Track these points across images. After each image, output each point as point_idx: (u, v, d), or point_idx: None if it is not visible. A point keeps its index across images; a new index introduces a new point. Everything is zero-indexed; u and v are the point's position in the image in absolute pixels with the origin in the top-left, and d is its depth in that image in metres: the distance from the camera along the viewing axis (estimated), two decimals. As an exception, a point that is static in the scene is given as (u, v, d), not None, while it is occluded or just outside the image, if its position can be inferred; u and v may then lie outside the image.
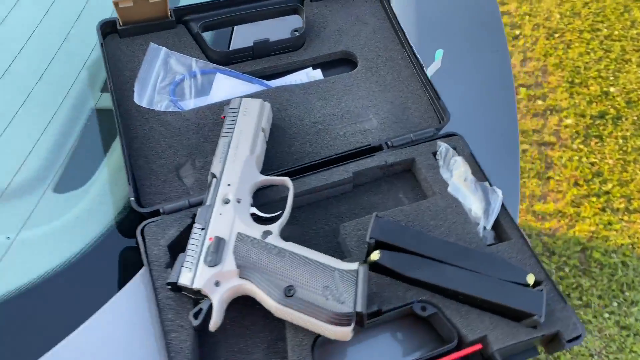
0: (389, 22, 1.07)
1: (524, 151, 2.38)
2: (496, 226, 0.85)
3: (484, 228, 0.83)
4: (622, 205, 2.22)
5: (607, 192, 2.25)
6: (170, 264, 0.77)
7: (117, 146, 0.97)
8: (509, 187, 0.96)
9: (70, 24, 1.06)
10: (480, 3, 1.31)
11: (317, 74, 1.03)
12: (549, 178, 2.29)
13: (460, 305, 0.75)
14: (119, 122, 0.88)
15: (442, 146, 0.89)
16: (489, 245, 0.82)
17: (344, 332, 0.67)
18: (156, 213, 0.83)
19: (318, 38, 1.05)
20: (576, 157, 2.35)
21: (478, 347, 0.73)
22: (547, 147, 2.39)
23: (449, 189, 0.84)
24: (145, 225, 0.81)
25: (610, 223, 2.17)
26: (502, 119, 1.09)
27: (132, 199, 0.83)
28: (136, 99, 0.94)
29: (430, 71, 0.99)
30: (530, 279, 0.76)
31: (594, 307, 1.96)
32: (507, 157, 1.03)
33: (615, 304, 1.97)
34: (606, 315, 1.95)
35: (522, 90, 2.59)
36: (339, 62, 1.07)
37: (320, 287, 0.69)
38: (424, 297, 0.76)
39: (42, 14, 1.07)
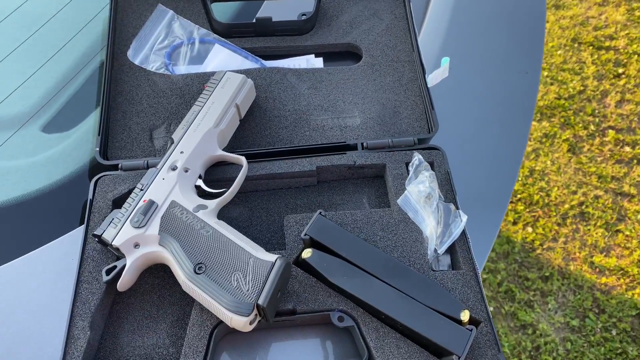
0: (404, 22, 1.02)
1: (597, 197, 2.18)
2: (451, 253, 0.78)
3: (435, 251, 0.76)
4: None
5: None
6: (107, 218, 0.78)
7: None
8: (489, 218, 0.89)
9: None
10: (526, 14, 1.21)
11: (317, 62, 1.00)
12: (618, 231, 2.09)
13: (380, 325, 0.70)
14: (107, 73, 0.90)
15: (416, 157, 0.83)
16: (436, 270, 0.75)
17: (240, 322, 0.64)
18: (115, 167, 0.84)
19: (328, 26, 1.02)
20: None
21: (386, 373, 0.67)
22: (624, 198, 2.19)
23: (399, 201, 0.79)
24: (100, 177, 0.82)
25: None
26: (507, 148, 1.00)
27: (97, 149, 0.84)
28: (130, 55, 0.95)
29: (432, 78, 0.92)
30: (465, 315, 0.69)
31: None
32: (498, 188, 0.94)
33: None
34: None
35: (611, 132, 2.37)
36: (343, 55, 1.02)
37: (229, 271, 0.67)
38: (345, 308, 0.71)
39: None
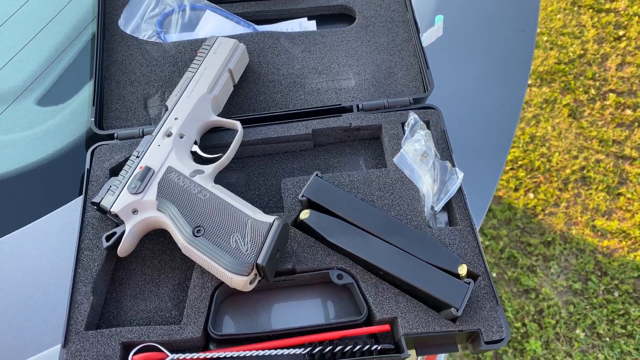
0: (399, -20, 1.00)
1: (598, 161, 2.17)
2: (447, 210, 0.78)
3: (432, 208, 0.77)
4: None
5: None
6: (106, 187, 0.78)
7: (103, 71, 0.99)
8: (485, 177, 0.89)
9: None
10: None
11: (310, 25, 0.99)
12: (619, 194, 2.09)
13: (379, 282, 0.70)
14: (98, 43, 0.89)
15: (412, 117, 0.82)
16: (433, 227, 0.76)
17: (241, 282, 0.65)
18: (111, 137, 0.84)
19: (320, -12, 1.00)
20: None
21: (385, 328, 0.68)
22: (626, 162, 2.18)
23: (395, 159, 0.78)
24: (97, 147, 0.82)
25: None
26: (503, 106, 0.99)
27: (92, 119, 0.84)
28: (121, 24, 0.94)
29: (426, 37, 0.91)
30: (462, 269, 0.69)
31: (638, 339, 1.79)
32: (495, 145, 0.94)
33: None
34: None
35: (612, 96, 2.34)
36: (336, 17, 1.01)
37: (227, 233, 0.67)
38: (344, 266, 0.72)
39: None
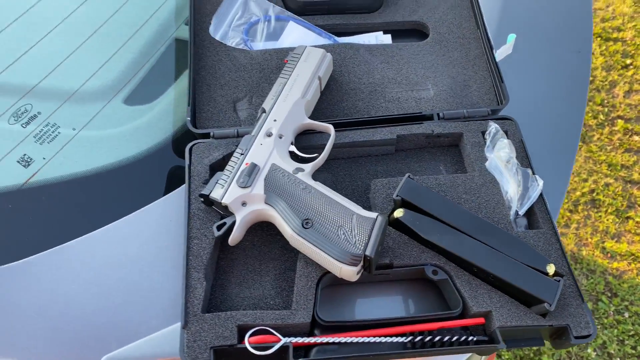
0: (467, 1, 1.06)
1: (607, 185, 2.23)
2: (530, 214, 0.83)
3: (517, 213, 0.82)
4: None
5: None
6: (207, 181, 0.83)
7: (187, 74, 1.04)
8: (555, 184, 0.94)
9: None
10: (572, 5, 1.26)
11: (386, 39, 1.05)
12: (628, 218, 2.15)
13: (472, 278, 0.75)
14: (191, 49, 0.95)
15: (493, 126, 0.88)
16: (517, 230, 0.81)
17: (350, 271, 0.70)
18: (206, 136, 0.89)
19: (395, 5, 1.07)
20: None
21: (480, 320, 0.73)
22: (634, 186, 2.24)
23: (487, 164, 0.84)
24: (194, 144, 0.87)
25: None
26: (567, 120, 1.05)
27: (188, 118, 0.89)
28: (211, 31, 1.00)
29: (499, 54, 0.97)
30: (551, 268, 0.74)
31: None
32: (562, 158, 0.99)
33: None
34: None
35: (620, 122, 2.42)
36: (410, 32, 1.07)
37: (335, 226, 0.72)
38: (437, 262, 0.76)
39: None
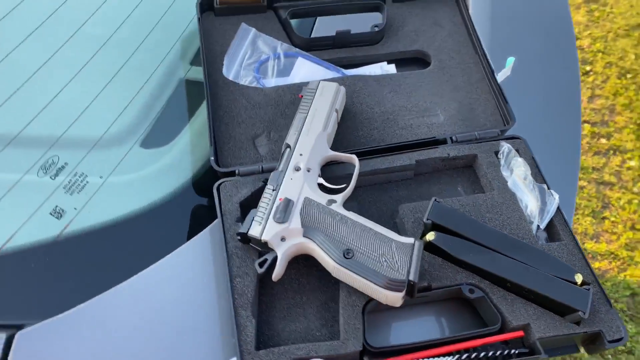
0: (464, 28, 1.12)
1: (581, 187, 2.34)
2: (549, 227, 0.88)
3: (538, 227, 0.86)
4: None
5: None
6: (240, 219, 0.84)
7: (200, 113, 1.06)
8: (564, 196, 0.99)
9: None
10: (555, 25, 1.34)
11: (390, 69, 1.10)
12: (604, 218, 2.25)
13: (506, 293, 0.79)
14: (207, 90, 0.97)
15: (505, 146, 0.93)
16: (540, 243, 0.85)
17: (395, 297, 0.72)
18: (232, 174, 0.91)
19: (395, 35, 1.12)
20: (635, 201, 2.29)
21: (519, 334, 0.76)
22: (606, 187, 2.35)
23: (509, 184, 0.88)
24: (221, 183, 0.89)
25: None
26: (566, 134, 1.11)
27: (212, 158, 0.91)
28: (225, 72, 1.03)
29: (499, 77, 1.03)
30: (579, 278, 0.78)
31: (637, 355, 1.90)
32: (567, 169, 1.05)
33: (660, 354, 1.92)
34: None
35: (587, 126, 2.54)
36: (412, 61, 1.12)
37: (377, 254, 0.74)
38: (472, 281, 0.80)
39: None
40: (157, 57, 1.11)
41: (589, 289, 0.77)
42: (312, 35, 1.12)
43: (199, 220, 0.92)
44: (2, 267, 0.78)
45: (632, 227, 2.21)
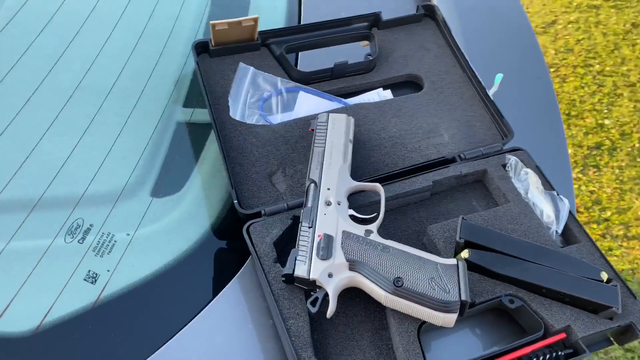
0: (449, 49, 1.18)
1: None
2: (565, 231, 0.94)
3: (556, 232, 0.92)
4: (621, 232, 2.30)
5: (606, 220, 2.34)
6: (277, 259, 0.85)
7: (205, 156, 1.05)
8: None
9: (161, 45, 1.15)
10: (519, 38, 1.43)
11: (387, 94, 1.13)
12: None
13: (542, 299, 0.83)
14: (218, 133, 0.96)
15: (512, 159, 0.98)
16: (561, 247, 0.91)
17: (450, 319, 0.75)
18: (257, 215, 0.90)
19: (386, 62, 1.16)
20: (576, 186, 2.45)
21: (562, 336, 0.81)
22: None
23: (528, 195, 0.94)
24: (250, 225, 0.88)
25: (610, 249, 2.26)
26: (552, 141, 1.19)
27: (236, 202, 0.90)
28: (231, 113, 1.02)
29: (490, 94, 1.09)
30: (604, 276, 0.84)
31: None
32: (561, 174, 1.12)
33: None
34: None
35: None
36: (405, 84, 1.17)
37: (426, 279, 0.77)
38: (510, 292, 0.84)
39: (136, 40, 1.15)
40: (154, 103, 1.08)
41: (615, 285, 0.83)
42: (298, 68, 1.13)
43: (227, 265, 0.92)
44: (44, 344, 0.74)
45: (576, 211, 2.33)
